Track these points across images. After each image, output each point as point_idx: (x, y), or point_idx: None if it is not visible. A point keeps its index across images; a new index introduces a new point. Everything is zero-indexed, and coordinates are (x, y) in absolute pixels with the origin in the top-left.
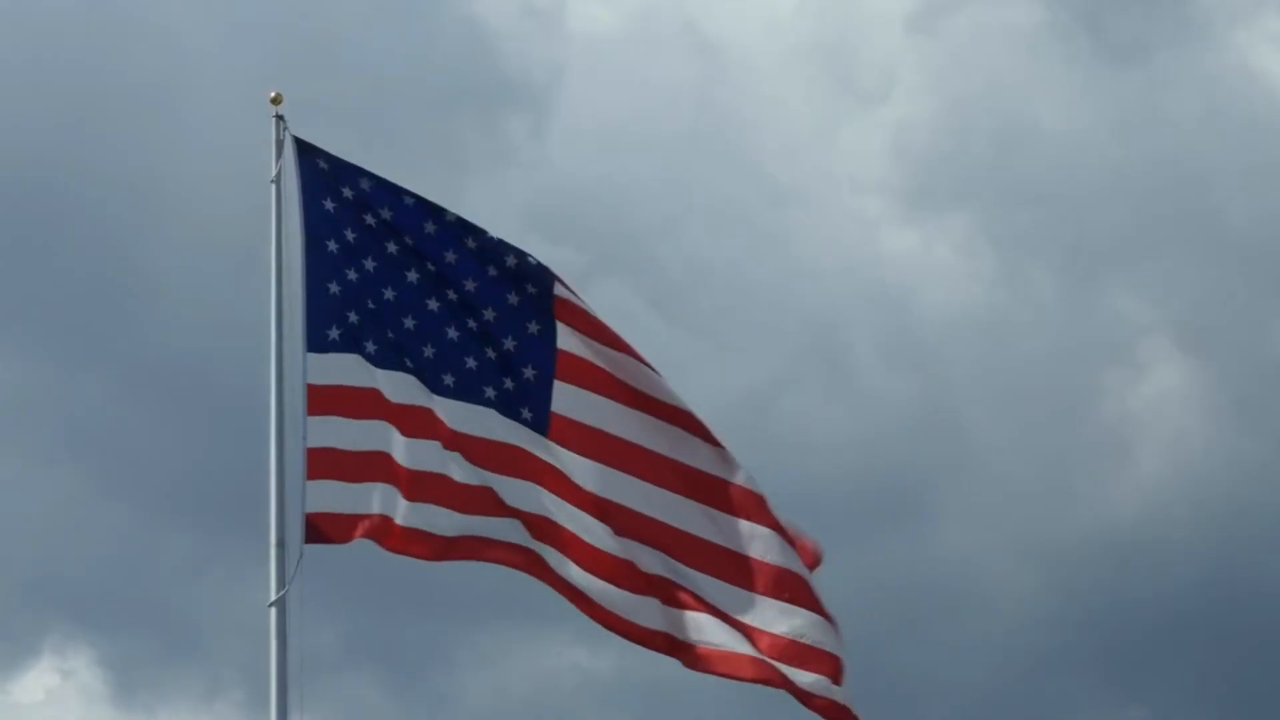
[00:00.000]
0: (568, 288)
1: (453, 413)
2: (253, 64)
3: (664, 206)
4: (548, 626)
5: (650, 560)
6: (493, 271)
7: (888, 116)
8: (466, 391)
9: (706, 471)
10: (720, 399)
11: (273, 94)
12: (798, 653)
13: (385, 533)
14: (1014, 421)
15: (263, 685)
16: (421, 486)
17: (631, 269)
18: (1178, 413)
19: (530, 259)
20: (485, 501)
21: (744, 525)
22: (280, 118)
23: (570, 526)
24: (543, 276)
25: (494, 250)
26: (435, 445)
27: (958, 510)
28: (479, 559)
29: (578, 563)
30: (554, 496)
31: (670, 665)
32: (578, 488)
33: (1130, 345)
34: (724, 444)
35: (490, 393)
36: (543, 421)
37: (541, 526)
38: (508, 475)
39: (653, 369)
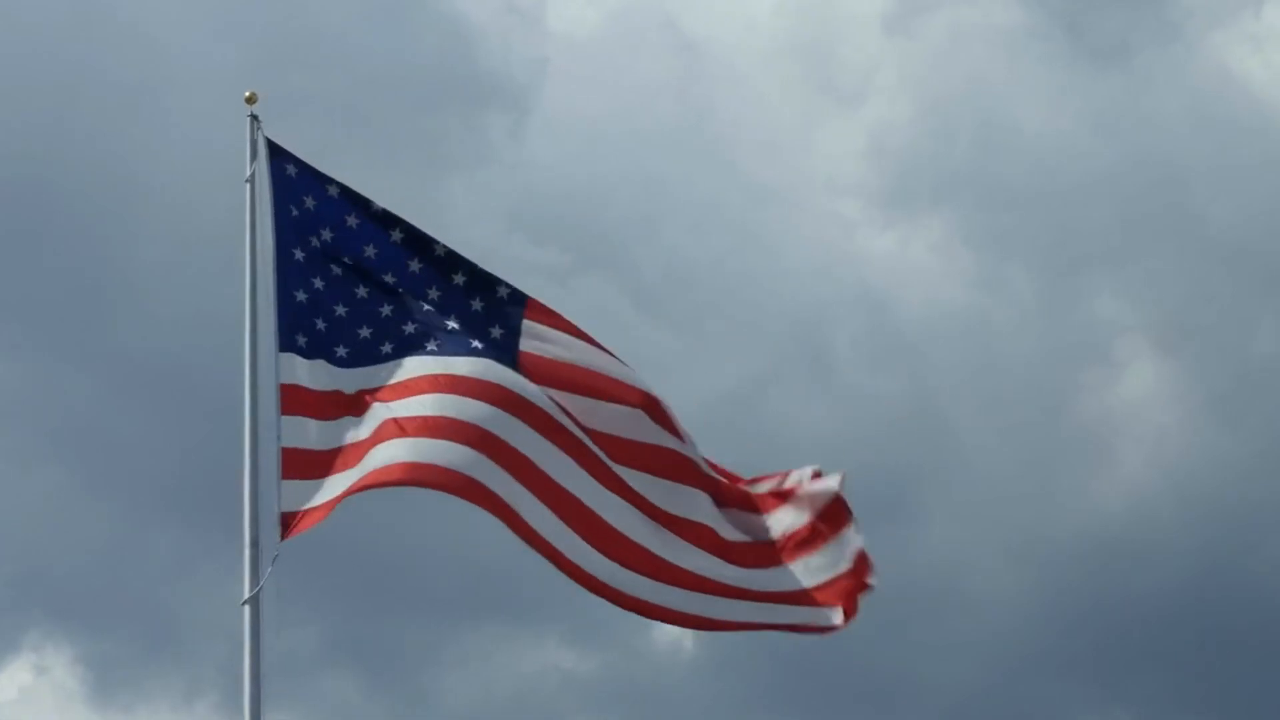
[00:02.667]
0: (539, 313)
1: (438, 364)
2: (234, 62)
3: (644, 205)
4: (530, 626)
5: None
6: (459, 280)
7: (866, 117)
8: (451, 347)
9: (675, 451)
10: (702, 397)
11: (248, 93)
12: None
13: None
14: (997, 422)
15: (240, 684)
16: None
17: (613, 268)
18: (1160, 413)
19: (500, 292)
20: (461, 434)
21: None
22: (255, 117)
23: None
24: (511, 313)
25: (458, 276)
26: (391, 405)
27: (941, 511)
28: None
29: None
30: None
31: (655, 666)
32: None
33: (1111, 346)
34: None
35: (477, 344)
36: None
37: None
38: (496, 406)
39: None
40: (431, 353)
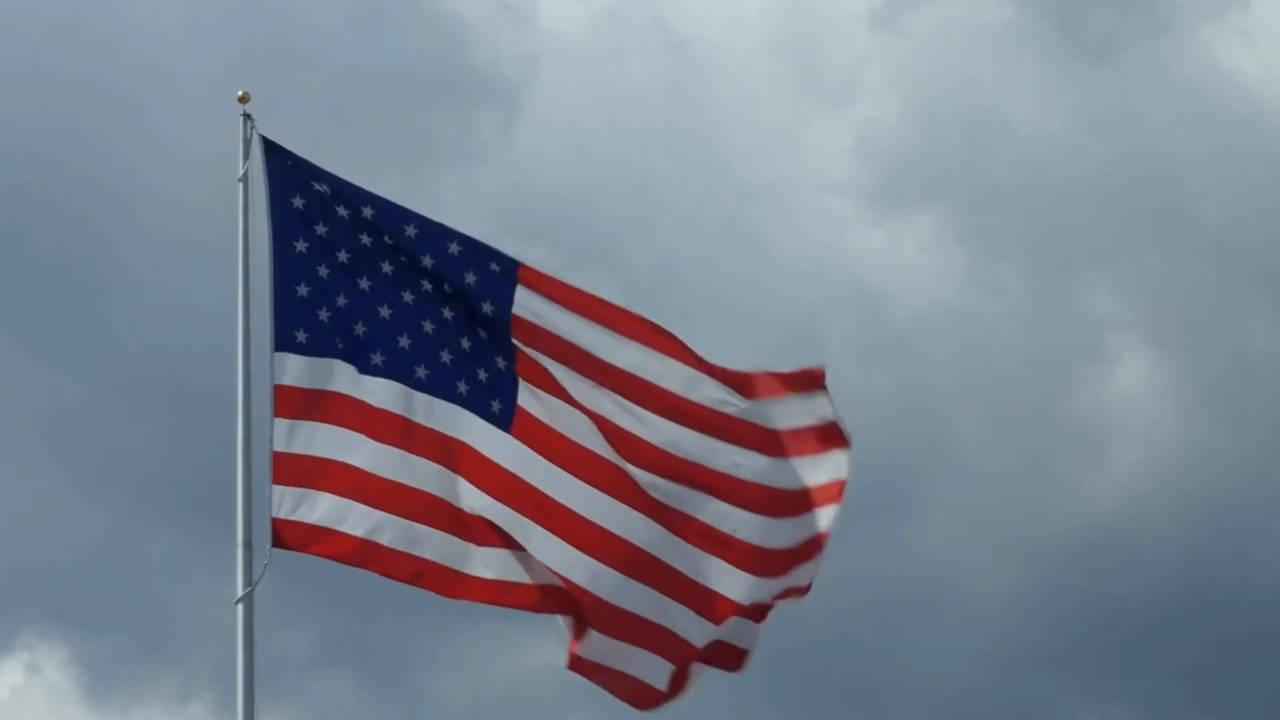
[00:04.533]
0: (530, 288)
1: (423, 406)
2: (225, 61)
3: (635, 203)
4: (524, 625)
5: (593, 576)
6: (465, 279)
7: (855, 114)
8: (438, 386)
9: (679, 456)
10: None
11: (240, 93)
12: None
13: (345, 549)
14: (991, 419)
15: (234, 685)
16: (384, 495)
17: (604, 266)
18: (1153, 410)
19: (493, 267)
20: (445, 517)
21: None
22: (248, 116)
23: (518, 536)
24: (502, 291)
25: (458, 262)
26: (399, 453)
27: (935, 508)
28: (425, 586)
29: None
30: (505, 508)
31: None
32: (534, 491)
33: (1105, 343)
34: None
35: (462, 388)
36: (509, 415)
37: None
38: (467, 479)
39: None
40: (419, 383)
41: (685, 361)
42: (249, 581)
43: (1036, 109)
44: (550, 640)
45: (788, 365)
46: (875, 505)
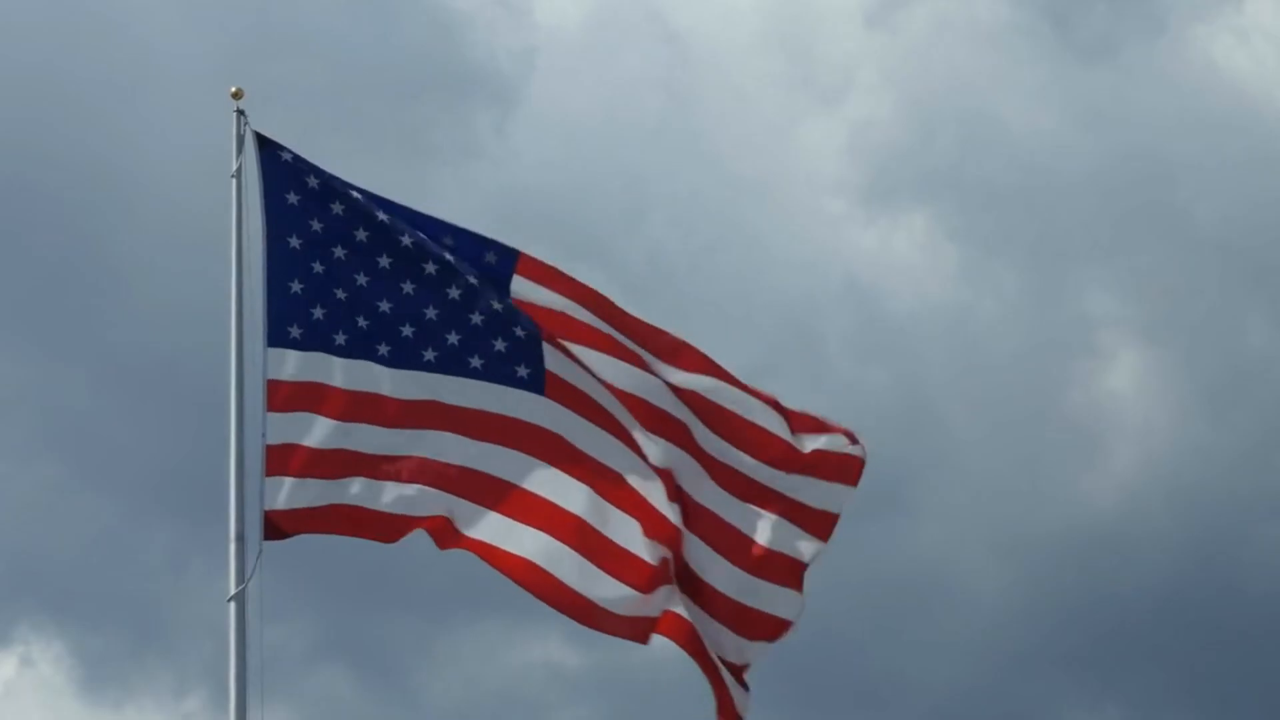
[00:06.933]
0: (530, 280)
1: (434, 386)
2: (219, 55)
3: (629, 199)
4: (519, 620)
5: (637, 540)
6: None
7: (849, 112)
8: (449, 365)
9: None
10: None
11: (234, 89)
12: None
13: (337, 521)
14: (985, 417)
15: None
16: (380, 467)
17: (598, 262)
18: (1149, 408)
19: (489, 257)
20: (451, 478)
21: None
22: (241, 112)
23: (555, 498)
24: (500, 279)
25: (455, 250)
26: (400, 432)
27: (930, 506)
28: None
29: (554, 534)
30: (543, 464)
31: (642, 659)
32: (573, 449)
33: (1100, 341)
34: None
35: (476, 362)
36: (539, 379)
37: (521, 500)
38: (493, 443)
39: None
40: (429, 365)
41: (702, 370)
42: (242, 576)
43: (1030, 107)
44: (545, 637)
45: (782, 365)
46: (870, 503)
